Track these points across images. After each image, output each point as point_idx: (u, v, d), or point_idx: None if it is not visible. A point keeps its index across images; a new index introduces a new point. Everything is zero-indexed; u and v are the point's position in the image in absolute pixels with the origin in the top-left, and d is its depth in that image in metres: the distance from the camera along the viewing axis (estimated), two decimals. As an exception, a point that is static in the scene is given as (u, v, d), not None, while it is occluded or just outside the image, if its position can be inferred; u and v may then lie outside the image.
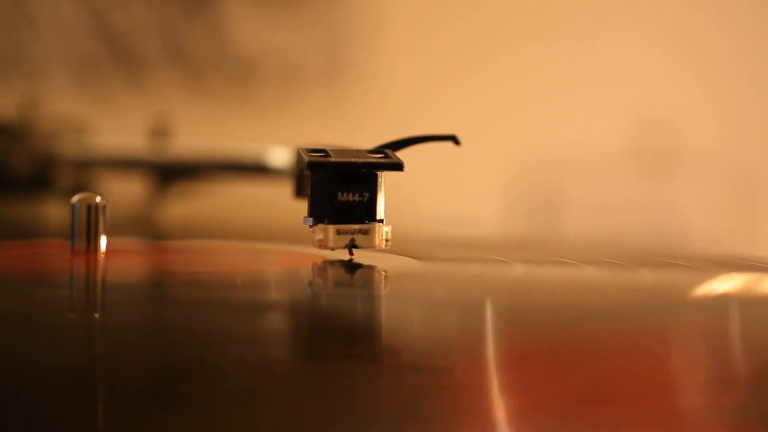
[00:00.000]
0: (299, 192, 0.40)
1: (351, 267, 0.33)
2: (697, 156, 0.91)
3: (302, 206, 0.33)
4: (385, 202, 0.33)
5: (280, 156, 0.59)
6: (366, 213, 0.32)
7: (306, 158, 0.32)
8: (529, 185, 0.93)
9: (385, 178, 0.33)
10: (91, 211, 0.33)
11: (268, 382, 0.20)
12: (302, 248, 0.37)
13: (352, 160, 0.32)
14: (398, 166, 0.32)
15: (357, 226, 0.32)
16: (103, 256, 0.33)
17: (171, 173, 0.61)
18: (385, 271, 0.34)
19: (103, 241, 0.33)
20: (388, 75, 0.96)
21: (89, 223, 0.33)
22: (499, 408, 0.19)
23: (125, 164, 0.62)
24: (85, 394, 0.19)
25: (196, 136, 0.63)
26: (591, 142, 0.92)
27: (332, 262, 0.34)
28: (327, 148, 0.33)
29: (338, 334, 0.25)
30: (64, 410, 0.18)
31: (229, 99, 0.97)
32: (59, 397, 0.18)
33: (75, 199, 0.33)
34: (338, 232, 0.32)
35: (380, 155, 0.33)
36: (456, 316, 0.27)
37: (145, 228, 0.56)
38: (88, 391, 0.19)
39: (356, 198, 0.32)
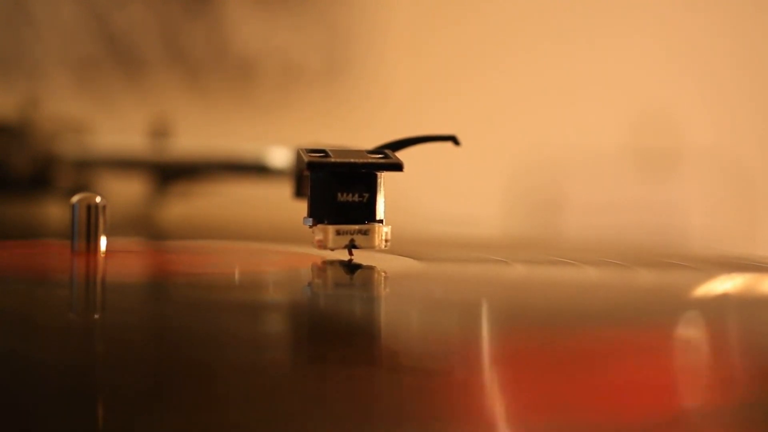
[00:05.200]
0: (299, 192, 0.40)
1: (350, 267, 0.33)
2: (697, 156, 0.91)
3: (302, 206, 0.33)
4: (384, 202, 0.33)
5: (280, 156, 0.59)
6: (366, 213, 0.32)
7: (306, 158, 0.32)
8: (529, 185, 0.93)
9: (384, 178, 0.33)
10: (91, 211, 0.33)
11: (268, 382, 0.20)
12: (302, 248, 0.37)
13: (352, 160, 0.32)
14: (398, 167, 0.32)
15: (357, 227, 0.32)
16: (103, 256, 0.33)
17: (171, 173, 0.61)
18: (384, 272, 0.34)
19: (103, 241, 0.33)
20: (388, 75, 0.96)
21: (89, 223, 0.33)
22: (499, 408, 0.19)
23: (125, 164, 0.62)
24: (85, 394, 0.19)
25: (196, 136, 0.63)
26: (591, 143, 0.92)
27: (332, 263, 0.34)
28: (327, 149, 0.33)
29: (338, 334, 0.24)
30: (64, 410, 0.18)
31: (229, 99, 0.97)
32: (59, 397, 0.18)
33: (75, 199, 0.33)
34: (338, 233, 0.32)
35: (380, 155, 0.33)
36: (456, 316, 0.27)
37: (145, 228, 0.56)
38: (88, 391, 0.19)
39: (356, 198, 0.32)
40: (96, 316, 0.27)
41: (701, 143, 0.92)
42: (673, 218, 0.90)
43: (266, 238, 0.47)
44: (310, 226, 0.33)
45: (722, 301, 0.31)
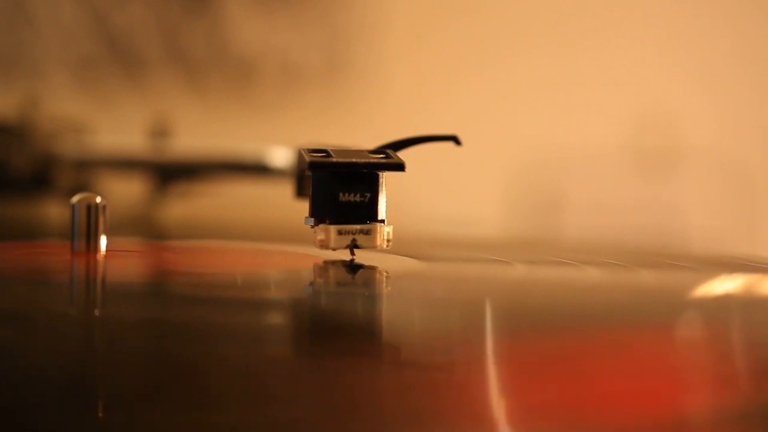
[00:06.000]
0: (300, 192, 0.40)
1: (352, 267, 0.33)
2: (697, 156, 0.91)
3: (303, 206, 0.33)
4: (386, 202, 0.33)
5: (281, 156, 0.59)
6: (367, 213, 0.32)
7: (307, 158, 0.32)
8: (529, 185, 0.93)
9: (386, 178, 0.33)
10: (91, 211, 0.33)
11: (268, 381, 0.20)
12: (303, 248, 0.37)
13: (354, 160, 0.32)
14: (399, 167, 0.32)
15: (358, 227, 0.32)
16: (103, 256, 0.33)
17: (171, 173, 0.61)
18: (386, 272, 0.34)
19: (103, 241, 0.33)
20: (388, 75, 0.96)
21: (89, 223, 0.33)
22: (499, 407, 0.19)
23: (125, 164, 0.62)
24: (85, 394, 0.19)
25: (196, 136, 0.63)
26: (591, 142, 0.92)
27: (333, 263, 0.34)
28: (328, 148, 0.32)
29: (339, 334, 0.24)
30: (64, 410, 0.18)
31: (229, 99, 0.97)
32: (59, 396, 0.18)
33: (75, 199, 0.33)
34: (339, 233, 0.32)
35: (381, 155, 0.33)
36: (456, 315, 0.27)
37: (145, 228, 0.56)
38: (88, 390, 0.19)
39: (357, 198, 0.32)
40: (96, 316, 0.27)
41: (702, 143, 0.92)
42: (673, 218, 0.90)
43: (267, 238, 0.47)
44: (312, 226, 0.33)
45: (722, 301, 0.31)
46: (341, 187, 0.32)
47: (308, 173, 0.33)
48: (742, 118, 0.94)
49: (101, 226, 0.33)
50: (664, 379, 0.21)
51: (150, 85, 0.98)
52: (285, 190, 0.44)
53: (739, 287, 0.34)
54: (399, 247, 0.34)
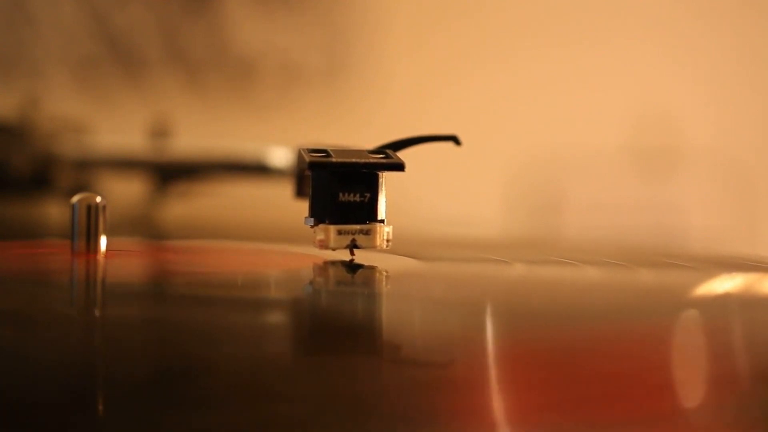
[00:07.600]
0: (300, 192, 0.40)
1: (352, 267, 0.33)
2: (697, 156, 0.91)
3: (303, 206, 0.33)
4: (386, 202, 0.33)
5: (281, 156, 0.59)
6: (367, 213, 0.32)
7: (307, 158, 0.32)
8: (529, 185, 0.93)
9: (386, 178, 0.33)
10: (91, 211, 0.33)
11: (268, 382, 0.20)
12: (303, 248, 0.37)
13: (353, 160, 0.32)
14: (399, 167, 0.32)
15: (358, 227, 0.32)
16: (103, 256, 0.33)
17: (171, 173, 0.61)
18: (386, 272, 0.34)
19: (103, 241, 0.33)
20: (389, 75, 0.96)
21: (89, 223, 0.33)
22: (499, 407, 0.19)
23: (125, 164, 0.62)
24: (85, 394, 0.19)
25: (196, 136, 0.63)
26: (591, 142, 0.92)
27: (333, 263, 0.34)
28: (328, 148, 0.33)
29: (339, 334, 0.25)
30: (64, 410, 0.18)
31: (229, 99, 0.97)
32: (59, 396, 0.18)
33: (75, 199, 0.33)
34: (339, 233, 0.32)
35: (381, 155, 0.33)
36: (456, 316, 0.27)
37: (145, 228, 0.56)
38: (88, 390, 0.19)
39: (357, 198, 0.32)
40: (96, 316, 0.27)
41: (701, 143, 0.92)
42: (673, 218, 0.90)
43: (267, 238, 0.47)
44: (312, 226, 0.33)
45: (722, 301, 0.31)
46: (341, 187, 0.32)
47: (308, 173, 0.33)
48: (742, 118, 0.94)
49: (101, 226, 0.33)
50: (664, 379, 0.21)
51: (150, 85, 0.98)
52: (285, 190, 0.44)
53: (739, 287, 0.34)
54: (399, 247, 0.34)
